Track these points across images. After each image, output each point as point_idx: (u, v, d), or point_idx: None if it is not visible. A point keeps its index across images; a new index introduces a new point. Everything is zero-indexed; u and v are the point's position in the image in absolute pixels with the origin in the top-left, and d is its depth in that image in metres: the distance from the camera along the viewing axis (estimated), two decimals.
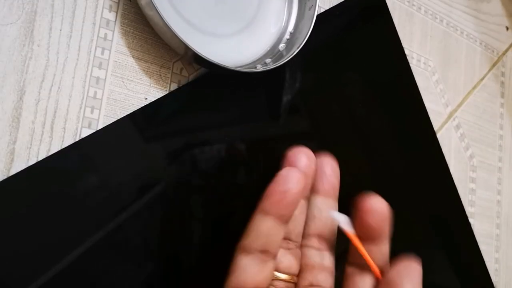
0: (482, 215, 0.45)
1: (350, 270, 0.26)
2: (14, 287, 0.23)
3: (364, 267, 0.26)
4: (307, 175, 0.26)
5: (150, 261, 0.27)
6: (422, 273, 0.25)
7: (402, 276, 0.24)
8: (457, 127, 0.45)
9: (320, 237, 0.27)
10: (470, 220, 0.44)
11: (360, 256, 0.25)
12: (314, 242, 0.27)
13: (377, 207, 0.25)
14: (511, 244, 0.48)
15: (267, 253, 0.24)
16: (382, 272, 0.26)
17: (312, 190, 0.28)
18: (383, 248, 0.26)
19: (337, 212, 0.27)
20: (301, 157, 0.27)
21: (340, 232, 0.27)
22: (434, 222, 0.40)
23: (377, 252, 0.26)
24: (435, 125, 0.42)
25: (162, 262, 0.27)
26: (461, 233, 0.43)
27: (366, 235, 0.25)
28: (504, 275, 0.46)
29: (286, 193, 0.23)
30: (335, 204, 0.28)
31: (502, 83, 0.50)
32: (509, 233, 0.48)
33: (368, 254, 0.25)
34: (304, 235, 0.27)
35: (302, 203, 0.27)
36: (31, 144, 0.25)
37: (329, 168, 0.28)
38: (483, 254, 0.44)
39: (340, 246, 0.28)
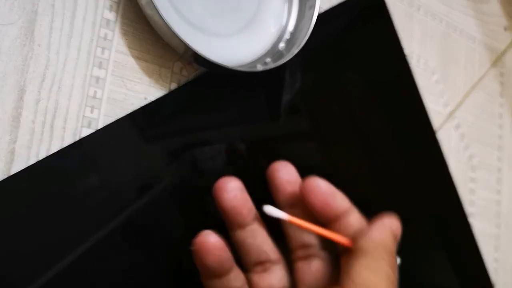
0: (482, 215, 0.45)
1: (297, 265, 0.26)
2: (14, 287, 0.23)
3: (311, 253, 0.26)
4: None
5: (150, 262, 0.27)
6: (399, 226, 0.24)
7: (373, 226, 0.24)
8: (457, 127, 0.45)
9: (305, 246, 0.26)
10: (470, 220, 0.44)
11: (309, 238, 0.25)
12: (300, 252, 0.26)
13: (312, 185, 0.25)
14: (511, 244, 0.48)
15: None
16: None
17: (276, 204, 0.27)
18: (351, 218, 0.25)
19: (269, 206, 0.25)
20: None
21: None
22: (434, 222, 0.40)
23: (347, 226, 0.25)
24: (435, 125, 0.43)
25: (163, 262, 0.27)
26: (461, 233, 0.43)
27: (323, 217, 0.25)
28: (503, 275, 0.46)
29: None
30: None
31: (502, 83, 0.50)
32: (509, 233, 0.48)
33: (336, 232, 0.25)
34: (291, 249, 0.27)
35: (252, 228, 0.26)
36: (31, 144, 0.25)
37: (281, 176, 0.27)
38: (483, 253, 0.44)
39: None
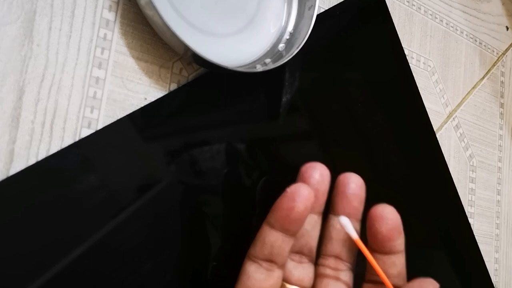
0: (482, 215, 0.45)
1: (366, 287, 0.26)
2: (13, 287, 0.23)
3: (379, 284, 0.26)
4: (318, 192, 0.26)
5: (149, 262, 0.27)
6: None
7: None
8: (457, 127, 0.45)
9: (338, 258, 0.27)
10: (470, 220, 0.44)
11: (376, 273, 0.25)
12: (331, 262, 0.27)
13: (388, 214, 0.25)
14: (511, 244, 0.48)
15: (272, 262, 0.24)
16: (396, 287, 0.25)
17: (331, 209, 0.27)
18: (397, 260, 0.26)
19: (346, 218, 0.26)
20: (314, 173, 0.26)
21: (360, 254, 0.26)
22: (434, 222, 0.40)
23: (390, 264, 0.25)
24: (435, 125, 0.42)
25: (162, 262, 0.27)
26: (461, 233, 0.43)
27: (378, 245, 0.25)
28: (504, 275, 0.46)
29: (292, 209, 0.24)
30: (356, 225, 0.27)
31: (502, 83, 0.50)
32: (509, 233, 0.48)
33: (381, 266, 0.25)
34: (321, 254, 0.27)
35: (315, 218, 0.27)
36: (30, 144, 0.25)
37: (352, 188, 0.27)
38: (483, 254, 0.44)
39: (360, 266, 0.27)
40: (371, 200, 0.37)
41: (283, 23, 0.33)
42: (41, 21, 0.25)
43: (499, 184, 0.48)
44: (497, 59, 0.50)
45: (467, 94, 0.46)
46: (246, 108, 0.31)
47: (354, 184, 0.27)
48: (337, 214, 0.27)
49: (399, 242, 0.26)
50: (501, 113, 0.50)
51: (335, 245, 0.27)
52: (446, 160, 0.42)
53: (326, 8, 0.36)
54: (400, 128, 0.39)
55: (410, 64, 0.41)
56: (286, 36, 0.32)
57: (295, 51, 0.29)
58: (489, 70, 0.49)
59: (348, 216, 0.26)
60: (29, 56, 0.25)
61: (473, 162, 0.46)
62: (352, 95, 0.37)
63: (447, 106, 0.44)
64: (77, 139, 0.26)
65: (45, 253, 0.24)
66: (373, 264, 0.25)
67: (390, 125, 0.39)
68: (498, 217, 0.47)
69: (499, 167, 0.48)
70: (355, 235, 0.25)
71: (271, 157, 0.32)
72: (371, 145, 0.37)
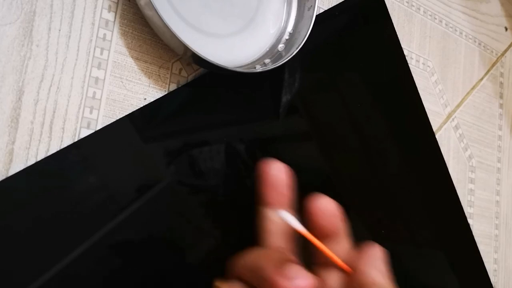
0: (481, 216, 0.45)
1: (316, 270, 0.26)
2: (13, 287, 0.23)
3: (328, 264, 0.26)
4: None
5: (149, 262, 0.27)
6: (385, 255, 0.25)
7: (367, 263, 0.24)
8: (456, 127, 0.45)
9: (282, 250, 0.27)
10: (469, 220, 0.44)
11: (323, 255, 0.25)
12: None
13: (324, 206, 0.26)
14: (510, 245, 0.48)
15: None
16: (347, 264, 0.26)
17: (261, 201, 0.27)
18: (343, 244, 0.26)
19: (286, 213, 0.26)
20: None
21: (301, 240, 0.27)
22: (433, 223, 0.40)
23: (338, 249, 0.26)
24: (434, 126, 0.42)
25: (161, 262, 0.27)
26: (460, 233, 0.43)
27: (322, 235, 0.26)
28: (503, 276, 0.46)
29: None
30: (291, 213, 0.28)
31: (501, 83, 0.50)
32: (508, 234, 0.48)
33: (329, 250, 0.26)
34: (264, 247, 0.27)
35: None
36: (30, 145, 0.25)
37: (278, 176, 0.27)
38: (482, 254, 0.44)
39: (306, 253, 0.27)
40: (370, 200, 0.37)
41: (282, 24, 0.33)
42: (40, 22, 0.25)
43: (498, 184, 0.48)
44: (496, 60, 0.50)
45: (466, 95, 0.46)
46: (245, 108, 0.31)
47: (278, 172, 0.27)
48: (269, 205, 0.27)
49: (342, 228, 0.26)
50: (500, 114, 0.50)
51: (276, 238, 0.26)
52: (446, 161, 0.42)
53: (326, 9, 0.37)
54: (399, 128, 0.39)
55: (409, 65, 0.41)
56: (286, 37, 0.32)
57: (294, 51, 0.29)
58: (488, 71, 0.49)
59: (281, 205, 0.27)
60: (29, 57, 0.25)
61: (472, 163, 0.46)
62: (351, 96, 0.37)
63: (446, 106, 0.44)
64: (76, 139, 0.26)
65: (45, 253, 0.24)
66: (325, 251, 0.25)
67: (389, 125, 0.39)
68: (497, 218, 0.47)
69: (498, 168, 0.48)
70: (301, 228, 0.25)
71: (271, 157, 0.32)
72: (370, 145, 0.37)
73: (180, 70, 0.30)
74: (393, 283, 0.24)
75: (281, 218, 0.26)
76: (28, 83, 0.25)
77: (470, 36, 0.48)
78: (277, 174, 0.27)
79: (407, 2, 0.42)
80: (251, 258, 0.25)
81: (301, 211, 0.26)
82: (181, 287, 0.28)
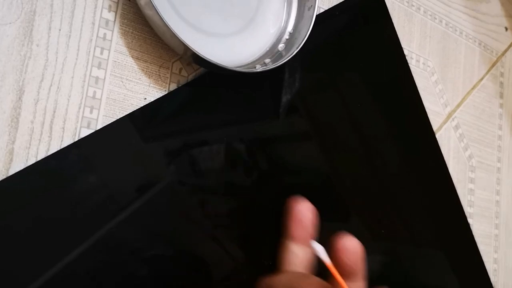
0: (481, 216, 0.45)
1: None
2: (13, 287, 0.23)
3: None
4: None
5: (149, 262, 0.27)
6: None
7: None
8: (456, 127, 0.45)
9: None
10: (469, 220, 0.44)
11: None
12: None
13: (350, 245, 0.27)
14: (510, 245, 0.48)
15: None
16: None
17: (286, 235, 0.29)
18: (360, 285, 0.27)
19: (316, 242, 0.28)
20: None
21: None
22: (433, 223, 0.40)
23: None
24: (434, 126, 0.42)
25: (161, 262, 0.27)
26: (460, 233, 0.43)
27: (343, 272, 0.26)
28: (502, 275, 0.46)
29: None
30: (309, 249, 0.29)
31: (501, 83, 0.50)
32: (508, 234, 0.48)
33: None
34: None
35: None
36: (30, 144, 0.25)
37: (305, 214, 0.29)
38: (482, 254, 0.44)
39: None
40: (370, 200, 0.37)
41: (282, 23, 0.33)
42: (40, 21, 0.25)
43: (498, 184, 0.48)
44: (496, 60, 0.50)
45: (466, 95, 0.46)
46: (245, 108, 0.31)
47: (306, 210, 0.29)
48: (293, 240, 0.28)
49: (362, 269, 0.27)
50: (500, 114, 0.50)
51: (297, 270, 0.28)
52: (446, 161, 0.42)
53: (326, 9, 0.37)
54: (399, 128, 0.39)
55: (409, 65, 0.41)
56: (286, 36, 0.32)
57: (294, 51, 0.29)
58: (488, 71, 0.49)
59: (304, 240, 0.28)
60: (29, 56, 0.25)
61: (472, 163, 0.46)
62: (352, 96, 0.37)
63: (446, 106, 0.44)
64: (76, 139, 0.26)
65: (45, 253, 0.24)
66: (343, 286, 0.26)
67: (390, 125, 0.39)
68: (497, 217, 0.47)
69: (498, 168, 0.48)
70: (328, 261, 0.26)
71: (271, 157, 0.32)
72: (370, 145, 0.37)
73: (180, 69, 0.30)
74: None
75: (306, 252, 0.28)
76: (28, 82, 0.25)
77: (470, 36, 0.48)
78: (305, 212, 0.29)
79: (407, 2, 0.42)
80: (288, 279, 0.26)
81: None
82: (180, 287, 0.28)
